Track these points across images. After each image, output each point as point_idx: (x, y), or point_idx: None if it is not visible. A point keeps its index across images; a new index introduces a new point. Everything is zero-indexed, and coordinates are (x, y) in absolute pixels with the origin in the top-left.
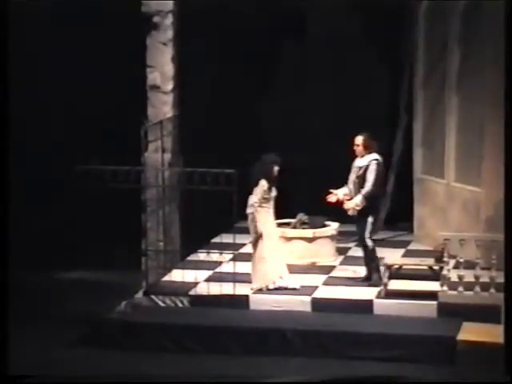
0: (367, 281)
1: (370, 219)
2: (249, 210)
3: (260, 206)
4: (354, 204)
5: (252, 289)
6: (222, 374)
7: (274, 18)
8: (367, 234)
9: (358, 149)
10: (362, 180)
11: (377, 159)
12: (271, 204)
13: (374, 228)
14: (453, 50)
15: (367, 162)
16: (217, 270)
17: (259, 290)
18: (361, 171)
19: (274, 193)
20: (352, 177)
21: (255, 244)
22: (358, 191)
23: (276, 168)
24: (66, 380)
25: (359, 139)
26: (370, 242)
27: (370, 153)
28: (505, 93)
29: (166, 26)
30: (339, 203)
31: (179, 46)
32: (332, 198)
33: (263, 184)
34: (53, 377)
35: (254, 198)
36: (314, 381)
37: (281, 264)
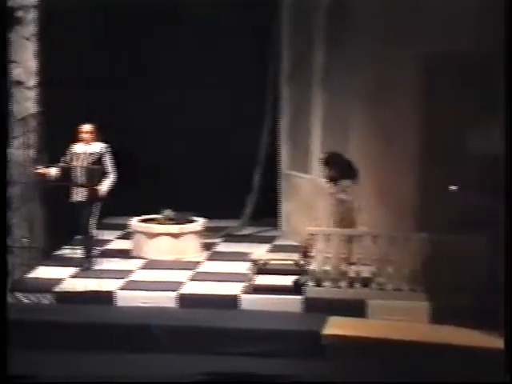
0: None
1: (97, 207)
2: None
3: None
4: (105, 190)
5: None
6: (87, 372)
7: (145, 11)
8: (95, 222)
9: (87, 136)
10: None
11: (109, 146)
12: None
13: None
14: (318, 47)
15: (99, 149)
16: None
17: None
18: (92, 158)
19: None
20: (79, 163)
21: None
22: (90, 177)
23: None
24: (66, 380)
25: (87, 127)
26: (95, 231)
27: (97, 140)
28: (505, 93)
29: (29, 20)
30: None
31: (43, 41)
32: None
33: None
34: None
35: None
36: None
37: None
